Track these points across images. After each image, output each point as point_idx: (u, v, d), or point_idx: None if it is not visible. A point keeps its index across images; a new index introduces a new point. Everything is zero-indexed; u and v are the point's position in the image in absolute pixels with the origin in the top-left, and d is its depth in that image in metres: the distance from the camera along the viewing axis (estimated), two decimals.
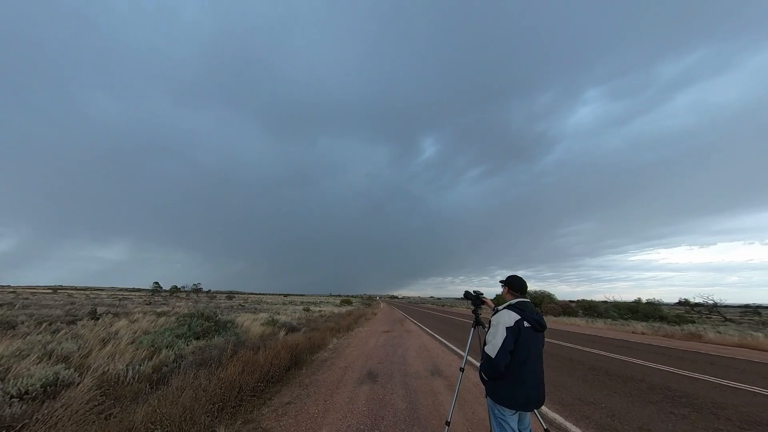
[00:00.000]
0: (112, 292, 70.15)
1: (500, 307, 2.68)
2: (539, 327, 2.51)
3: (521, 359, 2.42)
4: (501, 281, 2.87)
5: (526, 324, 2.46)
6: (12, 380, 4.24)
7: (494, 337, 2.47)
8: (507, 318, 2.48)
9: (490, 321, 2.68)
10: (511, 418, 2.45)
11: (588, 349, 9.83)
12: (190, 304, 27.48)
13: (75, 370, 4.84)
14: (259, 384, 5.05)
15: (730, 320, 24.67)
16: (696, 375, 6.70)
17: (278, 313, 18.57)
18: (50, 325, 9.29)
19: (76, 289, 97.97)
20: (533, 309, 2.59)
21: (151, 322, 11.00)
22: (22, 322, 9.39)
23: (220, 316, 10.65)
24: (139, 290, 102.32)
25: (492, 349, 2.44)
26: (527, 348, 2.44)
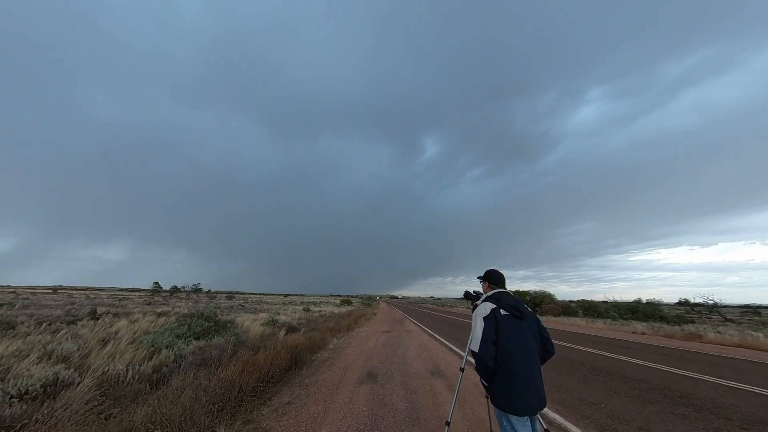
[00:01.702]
0: (112, 292, 70.12)
1: (478, 302, 2.68)
2: (517, 313, 2.45)
3: (508, 351, 2.35)
4: (479, 277, 2.89)
5: (502, 312, 2.45)
6: (12, 380, 4.24)
7: (474, 330, 2.47)
8: (483, 309, 2.50)
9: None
10: (524, 428, 2.30)
11: (588, 350, 9.83)
12: (190, 304, 27.47)
13: (75, 371, 4.83)
14: (259, 384, 5.05)
15: (730, 320, 24.67)
16: (696, 375, 6.70)
17: (278, 314, 18.55)
18: (50, 325, 9.28)
19: (76, 289, 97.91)
20: (511, 297, 2.58)
21: (151, 322, 10.98)
22: (22, 322, 9.38)
23: (220, 316, 10.65)
24: (139, 290, 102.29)
25: (475, 343, 2.42)
26: (510, 337, 2.38)
